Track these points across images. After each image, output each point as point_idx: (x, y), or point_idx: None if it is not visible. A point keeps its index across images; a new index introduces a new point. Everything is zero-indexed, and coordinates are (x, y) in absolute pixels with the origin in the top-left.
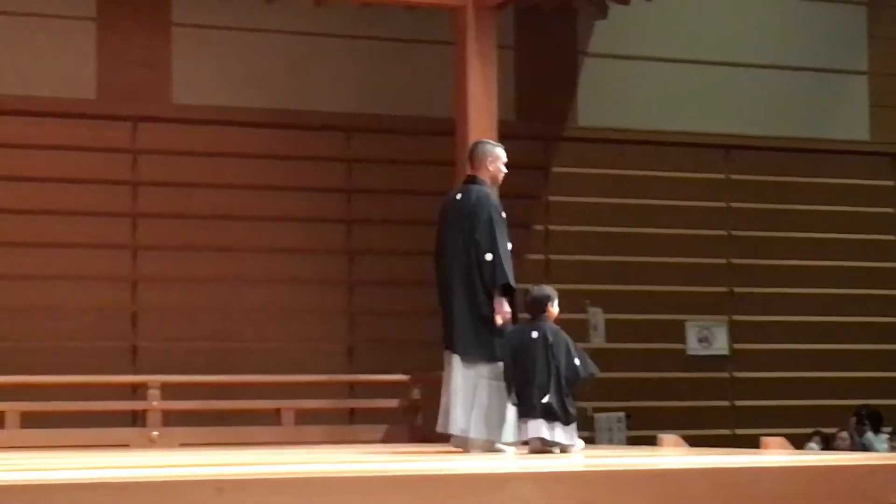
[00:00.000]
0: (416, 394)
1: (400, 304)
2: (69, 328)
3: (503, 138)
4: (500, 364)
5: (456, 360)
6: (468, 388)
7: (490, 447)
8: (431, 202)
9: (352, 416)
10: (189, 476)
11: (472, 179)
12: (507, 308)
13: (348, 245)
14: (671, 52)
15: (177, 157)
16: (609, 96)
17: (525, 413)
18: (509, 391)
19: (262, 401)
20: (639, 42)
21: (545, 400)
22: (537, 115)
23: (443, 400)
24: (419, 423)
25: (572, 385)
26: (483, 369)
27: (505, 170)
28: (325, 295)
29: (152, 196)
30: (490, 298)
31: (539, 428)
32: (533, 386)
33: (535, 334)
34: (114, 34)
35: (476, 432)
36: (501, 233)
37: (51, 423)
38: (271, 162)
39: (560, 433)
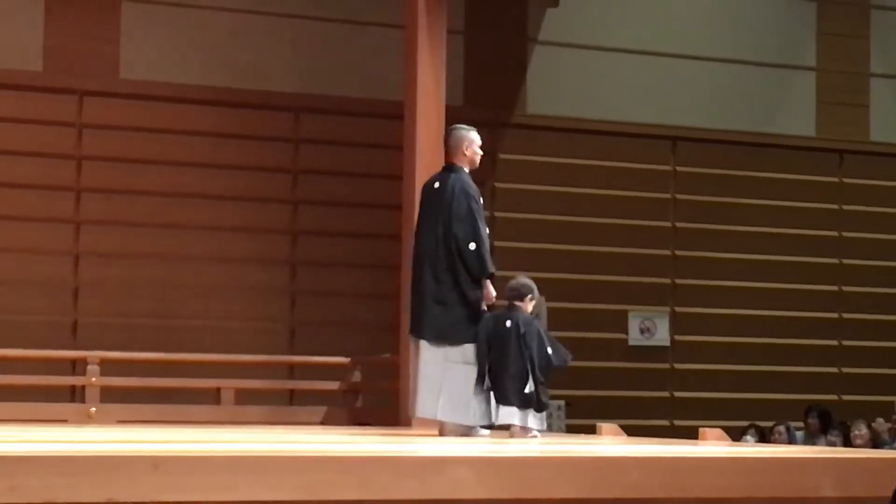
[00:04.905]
0: (356, 376)
1: (343, 286)
2: (9, 302)
3: (451, 124)
4: (471, 346)
5: (423, 345)
6: (435, 372)
7: (467, 432)
8: (377, 185)
9: (291, 398)
10: (126, 451)
11: (450, 167)
12: (493, 291)
13: (293, 225)
14: (621, 41)
15: (122, 132)
16: (558, 85)
17: (498, 399)
18: (483, 375)
19: (201, 379)
20: (589, 31)
21: (520, 388)
22: (486, 102)
23: (411, 385)
24: (359, 405)
25: (546, 373)
26: (452, 352)
27: (480, 153)
28: (267, 275)
29: (96, 171)
30: (473, 284)
31: (512, 414)
32: (507, 373)
33: (508, 323)
34: (62, 6)
35: (445, 415)
36: (481, 220)
37: None
38: (217, 140)
39: (532, 419)
